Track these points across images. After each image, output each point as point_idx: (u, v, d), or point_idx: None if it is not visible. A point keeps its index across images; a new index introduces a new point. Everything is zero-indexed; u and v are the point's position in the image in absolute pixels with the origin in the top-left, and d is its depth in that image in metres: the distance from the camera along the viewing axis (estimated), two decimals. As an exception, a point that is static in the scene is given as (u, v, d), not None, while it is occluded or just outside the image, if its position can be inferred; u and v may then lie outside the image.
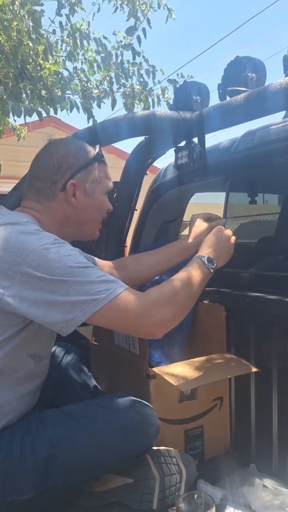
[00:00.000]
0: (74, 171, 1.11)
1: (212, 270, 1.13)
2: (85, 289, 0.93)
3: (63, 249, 0.96)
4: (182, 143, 1.54)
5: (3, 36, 3.60)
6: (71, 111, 4.08)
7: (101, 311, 0.93)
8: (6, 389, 1.02)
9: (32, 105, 3.77)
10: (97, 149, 1.17)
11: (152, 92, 4.38)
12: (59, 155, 1.12)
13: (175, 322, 1.04)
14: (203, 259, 1.13)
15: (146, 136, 1.72)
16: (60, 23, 4.03)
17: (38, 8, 3.62)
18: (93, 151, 1.17)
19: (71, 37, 4.15)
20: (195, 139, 1.50)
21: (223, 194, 1.69)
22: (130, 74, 4.33)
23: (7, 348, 0.99)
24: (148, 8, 4.22)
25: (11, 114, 3.90)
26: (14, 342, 1.00)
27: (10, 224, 0.99)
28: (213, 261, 1.14)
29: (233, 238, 1.24)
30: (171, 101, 4.32)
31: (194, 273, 1.08)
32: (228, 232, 1.23)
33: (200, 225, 1.40)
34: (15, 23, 3.53)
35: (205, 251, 1.16)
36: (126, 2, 4.19)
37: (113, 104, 4.31)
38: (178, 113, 1.44)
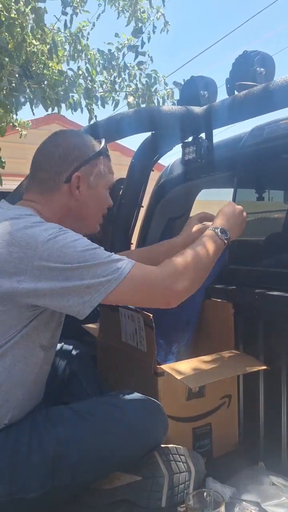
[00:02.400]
0: (79, 164, 1.10)
1: (226, 241, 1.16)
2: (99, 271, 0.95)
3: (69, 235, 0.98)
4: (190, 139, 1.53)
5: (6, 34, 3.60)
6: (75, 111, 4.08)
7: (116, 289, 0.96)
8: (14, 384, 1.02)
9: (36, 101, 3.77)
10: (103, 143, 1.17)
11: (157, 93, 4.39)
12: (65, 146, 1.11)
13: (188, 292, 1.07)
14: (216, 230, 1.16)
15: (153, 132, 1.71)
16: (65, 21, 4.04)
17: (42, 5, 3.61)
18: (98, 145, 1.16)
19: (72, 40, 4.17)
20: (203, 134, 1.49)
21: (230, 191, 1.67)
22: (133, 76, 4.36)
23: (20, 339, 1.00)
24: (149, 16, 4.26)
25: (14, 110, 3.90)
26: (26, 332, 1.01)
27: (14, 219, 0.99)
28: (226, 232, 1.17)
29: (244, 213, 1.28)
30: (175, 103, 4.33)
31: (207, 244, 1.13)
32: (240, 206, 1.27)
33: (191, 224, 1.42)
34: (19, 20, 3.53)
35: (218, 223, 1.20)
36: (126, 8, 4.23)
37: (116, 105, 4.32)
38: (185, 108, 1.43)
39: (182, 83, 4.36)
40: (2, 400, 1.00)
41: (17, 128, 4.54)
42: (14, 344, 0.99)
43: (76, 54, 4.20)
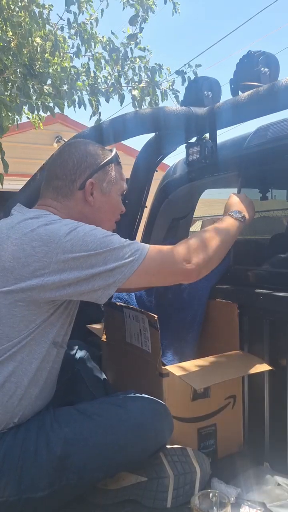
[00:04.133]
0: (92, 171, 1.15)
1: (241, 220, 1.23)
2: (121, 254, 1.01)
3: (87, 226, 1.04)
4: (193, 139, 1.53)
5: (10, 31, 3.60)
6: (78, 108, 4.09)
7: (138, 269, 1.02)
8: (30, 381, 1.03)
9: (41, 102, 3.77)
10: (114, 151, 1.22)
11: (161, 86, 4.36)
12: (78, 155, 1.16)
13: (206, 266, 1.12)
14: (230, 213, 1.24)
15: (156, 133, 1.71)
16: (68, 20, 4.02)
17: (44, 2, 3.63)
18: (110, 152, 1.21)
19: (78, 35, 4.14)
20: (207, 135, 1.49)
21: (234, 191, 1.67)
22: (137, 69, 4.33)
23: (37, 335, 1.03)
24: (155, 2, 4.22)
25: (22, 111, 3.90)
26: (44, 328, 1.04)
27: (34, 218, 1.04)
28: (241, 211, 1.25)
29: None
30: (178, 94, 4.31)
31: (222, 223, 1.21)
32: (242, 194, 1.37)
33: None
34: (25, 21, 3.53)
35: (230, 209, 1.27)
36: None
37: (122, 100, 4.30)
38: (189, 108, 1.43)
39: (185, 73, 4.31)
40: (18, 398, 1.02)
41: (32, 122, 4.56)
42: (31, 340, 1.02)
43: (83, 43, 4.16)
